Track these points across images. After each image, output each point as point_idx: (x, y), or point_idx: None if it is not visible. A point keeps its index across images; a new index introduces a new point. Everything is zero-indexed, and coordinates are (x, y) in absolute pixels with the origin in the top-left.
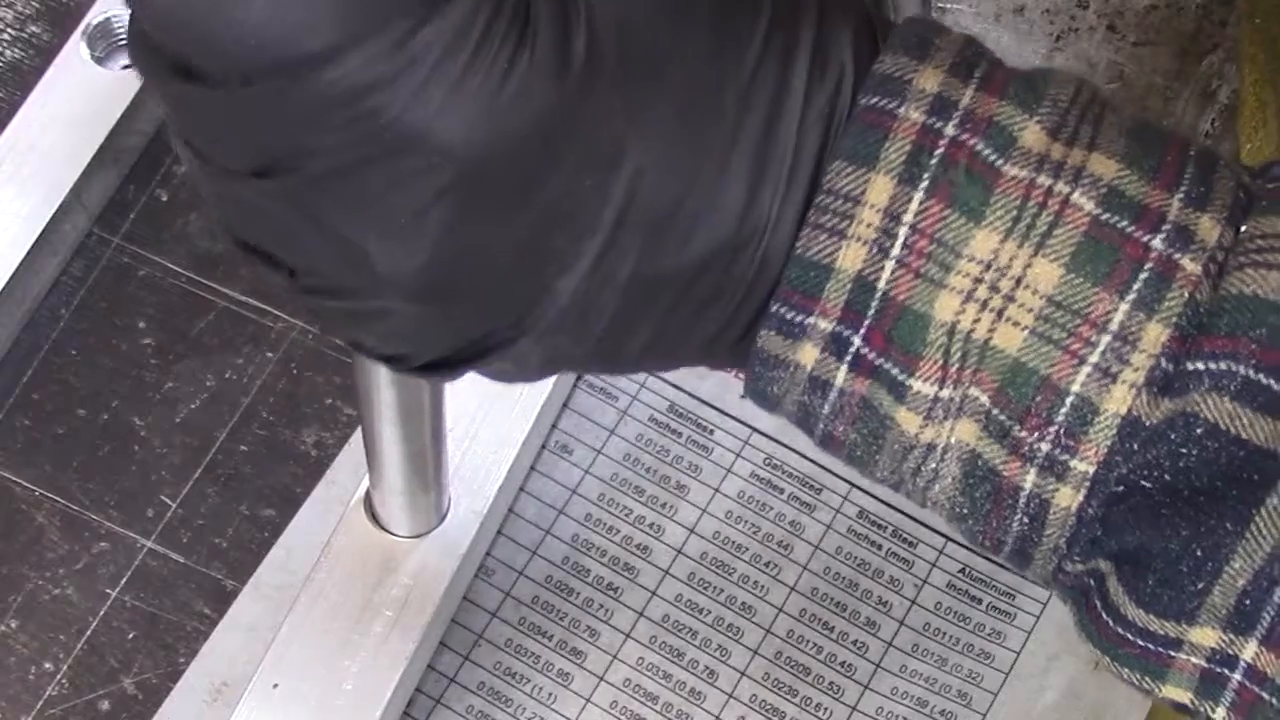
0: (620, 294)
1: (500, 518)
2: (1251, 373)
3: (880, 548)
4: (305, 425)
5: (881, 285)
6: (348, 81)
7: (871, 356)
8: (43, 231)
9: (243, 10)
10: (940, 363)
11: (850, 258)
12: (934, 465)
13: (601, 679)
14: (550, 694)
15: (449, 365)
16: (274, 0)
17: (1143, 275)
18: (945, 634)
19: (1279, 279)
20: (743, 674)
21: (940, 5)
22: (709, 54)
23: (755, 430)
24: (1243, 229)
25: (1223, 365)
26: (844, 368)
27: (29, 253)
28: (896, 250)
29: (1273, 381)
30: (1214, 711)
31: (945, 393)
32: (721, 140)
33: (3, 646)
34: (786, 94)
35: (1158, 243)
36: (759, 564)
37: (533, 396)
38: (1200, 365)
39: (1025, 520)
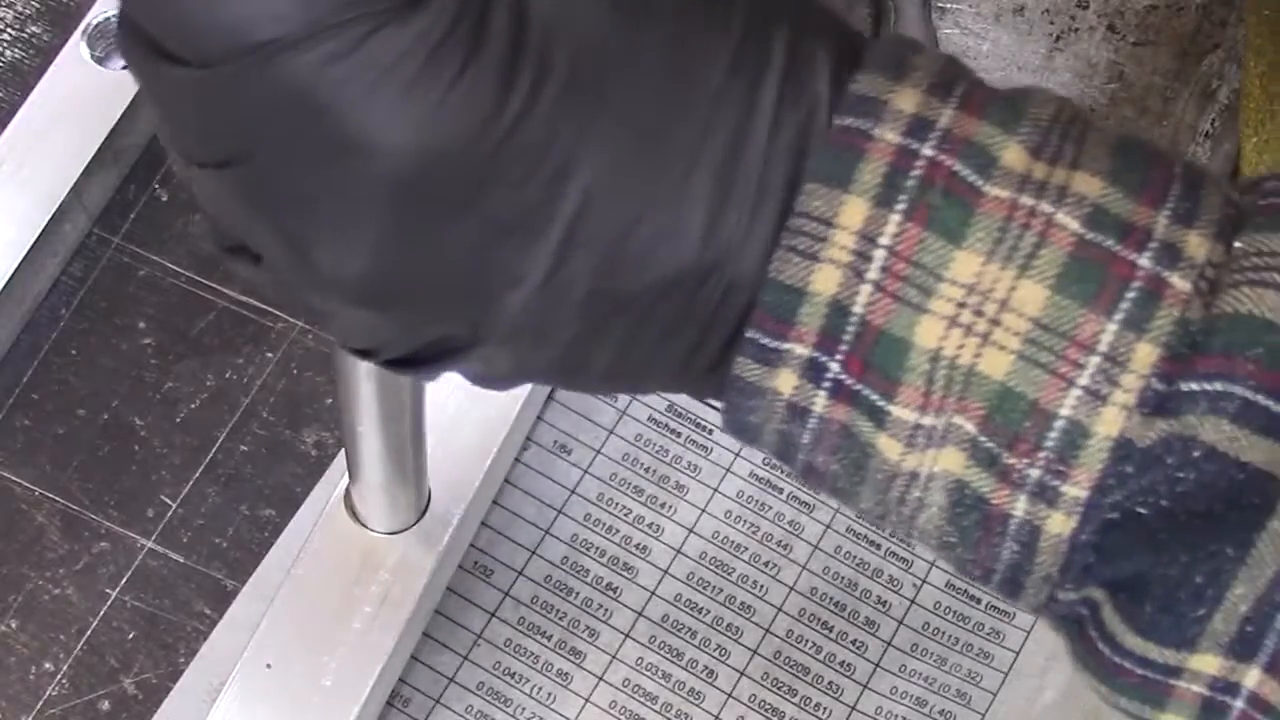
0: (578, 311)
1: (481, 513)
2: (1250, 394)
3: (879, 547)
4: (305, 425)
5: (858, 309)
6: (301, 75)
7: (850, 382)
8: (43, 231)
9: None
10: (922, 389)
11: (824, 281)
12: (918, 494)
13: (601, 679)
14: (550, 694)
15: (417, 363)
16: None
17: (1130, 294)
18: (944, 633)
19: (1275, 298)
20: (742, 674)
21: (940, 5)
22: (669, 73)
23: None
24: (1236, 245)
25: (1219, 386)
26: (823, 394)
27: (29, 253)
28: (872, 273)
29: (1272, 403)
30: None
31: (928, 420)
32: (680, 161)
33: (3, 646)
34: (753, 117)
35: (1145, 260)
36: (758, 564)
37: (514, 391)
38: (1195, 385)
39: (1016, 548)
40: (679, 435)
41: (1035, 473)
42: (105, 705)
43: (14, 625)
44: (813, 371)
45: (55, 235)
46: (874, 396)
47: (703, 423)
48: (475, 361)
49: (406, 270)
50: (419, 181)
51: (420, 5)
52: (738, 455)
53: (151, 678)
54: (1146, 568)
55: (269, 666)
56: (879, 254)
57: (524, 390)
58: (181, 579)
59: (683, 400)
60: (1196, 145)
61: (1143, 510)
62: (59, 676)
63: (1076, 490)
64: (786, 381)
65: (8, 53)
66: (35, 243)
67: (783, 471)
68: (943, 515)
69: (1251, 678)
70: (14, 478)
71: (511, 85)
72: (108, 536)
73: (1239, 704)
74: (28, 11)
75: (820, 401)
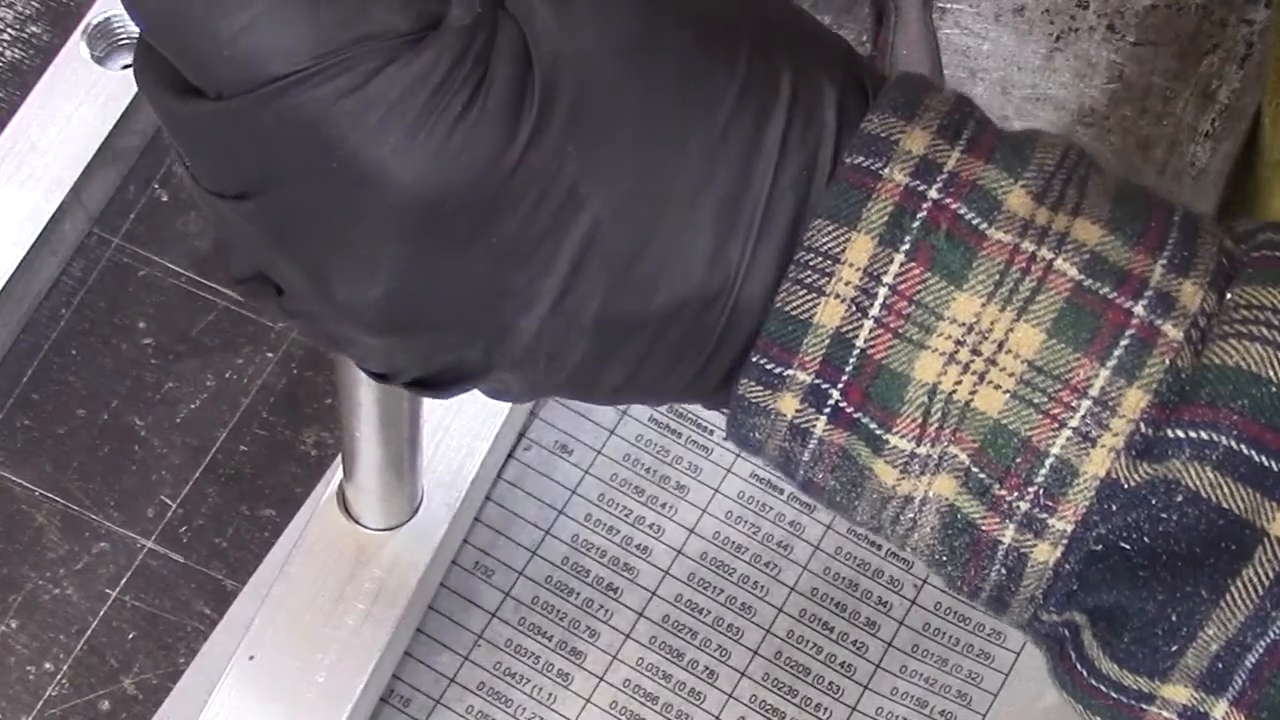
0: (588, 335)
1: (475, 510)
2: (1234, 443)
3: (880, 548)
4: (305, 425)
5: (859, 343)
6: (311, 109)
7: (850, 410)
8: (43, 231)
9: (221, 24)
10: (919, 421)
11: (828, 314)
12: (912, 515)
13: (601, 679)
14: (550, 694)
15: (432, 385)
16: (249, 19)
17: (1124, 342)
18: (945, 635)
19: (1260, 351)
20: (743, 674)
21: (940, 5)
22: (674, 109)
23: None
24: (1227, 297)
25: (1204, 435)
26: (823, 419)
27: (29, 253)
28: (875, 310)
29: (1254, 452)
30: None
31: (924, 449)
32: (685, 194)
33: (3, 646)
34: (759, 152)
35: (1139, 309)
36: (759, 564)
37: None
38: (1181, 433)
39: (1003, 571)
40: (680, 436)
41: (1024, 505)
42: (105, 705)
43: (14, 625)
44: (814, 397)
45: (55, 235)
46: (872, 425)
47: (704, 423)
48: (489, 383)
49: (421, 298)
50: (431, 212)
51: (424, 43)
52: (739, 456)
53: (151, 678)
54: (1125, 600)
55: (261, 666)
56: (882, 291)
57: None
58: (181, 579)
59: None
60: (1196, 145)
61: (1125, 545)
62: (59, 676)
63: (1063, 524)
64: (788, 404)
65: (8, 53)
66: (35, 243)
67: None
68: (935, 536)
69: (1219, 710)
70: (14, 478)
71: (518, 119)
72: (108, 536)
73: None
74: (28, 11)
75: (820, 425)
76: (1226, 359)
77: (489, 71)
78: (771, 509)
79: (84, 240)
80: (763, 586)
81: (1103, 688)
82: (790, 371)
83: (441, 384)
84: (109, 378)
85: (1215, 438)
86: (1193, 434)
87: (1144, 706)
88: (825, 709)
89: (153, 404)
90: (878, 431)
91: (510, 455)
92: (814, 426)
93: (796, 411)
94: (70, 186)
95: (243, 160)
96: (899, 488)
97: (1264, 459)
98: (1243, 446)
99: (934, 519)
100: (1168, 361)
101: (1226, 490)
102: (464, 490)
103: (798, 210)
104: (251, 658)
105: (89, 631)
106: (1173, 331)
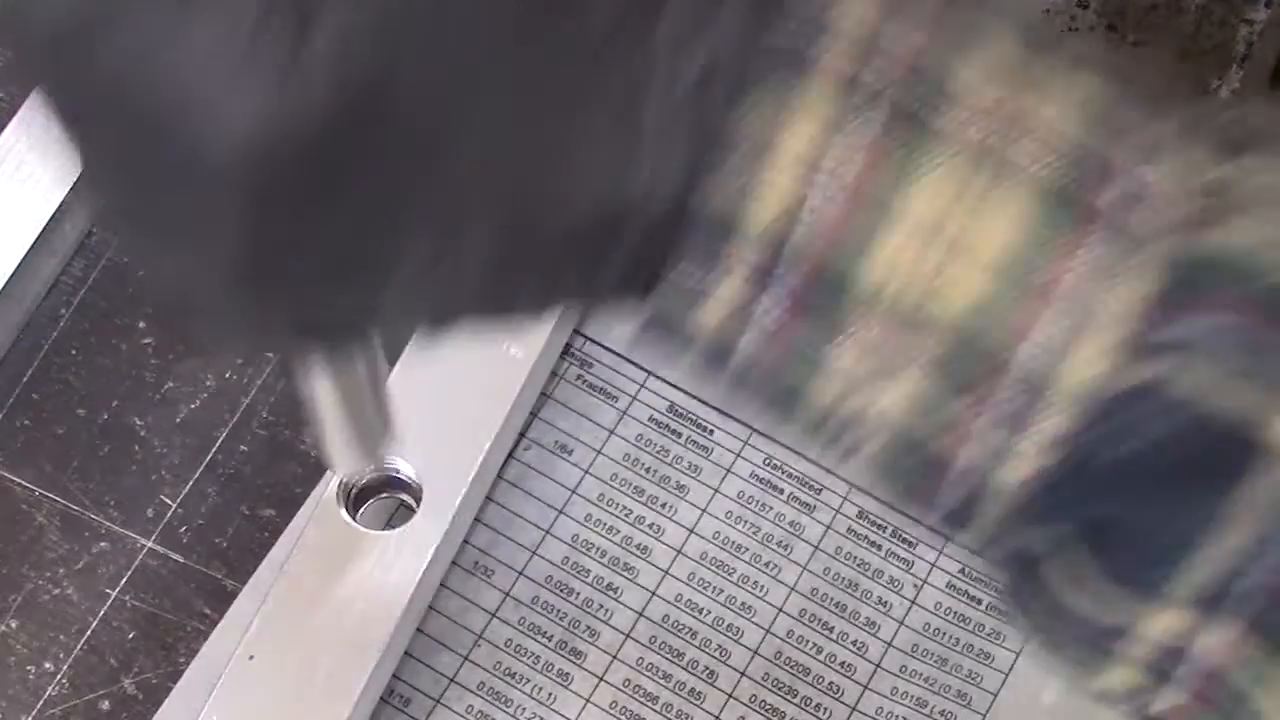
0: (481, 268)
1: (474, 509)
2: (1229, 338)
3: (880, 548)
4: (305, 425)
5: (799, 239)
6: (125, 49)
7: (790, 316)
8: (42, 231)
9: None
10: (866, 324)
11: (767, 206)
12: (861, 430)
13: (601, 679)
14: (550, 694)
15: (327, 337)
16: None
17: (1099, 235)
18: (945, 634)
19: (1252, 231)
20: (742, 674)
21: None
22: (553, 30)
23: (755, 431)
24: (1209, 181)
25: (1196, 331)
26: (759, 328)
27: (28, 253)
28: (816, 202)
29: (1248, 349)
30: (1155, 702)
31: (872, 359)
32: (571, 114)
33: (3, 646)
34: (651, 55)
35: (1113, 200)
36: (759, 564)
37: (507, 386)
38: (1168, 335)
39: (962, 491)
40: (680, 435)
41: (990, 417)
42: (105, 705)
43: (14, 625)
44: (752, 299)
45: (55, 235)
46: (814, 333)
47: (704, 423)
48: (385, 325)
49: (275, 257)
50: (271, 162)
51: None
52: (738, 456)
53: (151, 678)
54: (1102, 519)
55: (261, 665)
56: (822, 181)
57: (518, 384)
58: (181, 579)
59: (684, 401)
60: None
61: (1098, 460)
62: (59, 676)
63: (1028, 444)
64: (720, 308)
65: (7, 52)
66: (35, 243)
67: (784, 472)
68: (885, 453)
69: (1197, 642)
70: (14, 478)
71: (356, 60)
72: (108, 536)
73: (1183, 668)
74: None
75: (758, 330)
76: (1213, 243)
77: (316, 10)
78: (771, 509)
79: (84, 240)
80: (763, 586)
81: (1074, 610)
82: (725, 274)
83: (324, 340)
84: (109, 378)
85: (1207, 335)
86: (1183, 333)
87: (1113, 641)
88: (825, 709)
89: (153, 404)
90: (820, 339)
91: (510, 455)
92: (752, 331)
93: (731, 313)
94: (70, 186)
95: (80, 104)
96: (847, 402)
97: (1261, 360)
98: (1238, 341)
99: (883, 435)
100: (1150, 256)
101: (1221, 390)
102: (464, 490)
103: (712, 108)
104: (251, 658)
105: (89, 631)
106: (1150, 222)
